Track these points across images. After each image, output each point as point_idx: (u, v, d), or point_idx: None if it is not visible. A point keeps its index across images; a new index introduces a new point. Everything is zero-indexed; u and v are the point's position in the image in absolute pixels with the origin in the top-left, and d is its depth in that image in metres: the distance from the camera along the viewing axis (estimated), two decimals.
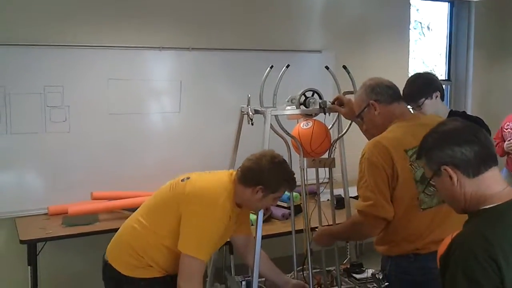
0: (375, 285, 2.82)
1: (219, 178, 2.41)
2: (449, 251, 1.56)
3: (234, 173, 2.43)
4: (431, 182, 1.70)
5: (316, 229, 2.73)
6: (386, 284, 2.29)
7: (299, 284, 2.72)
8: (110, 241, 2.53)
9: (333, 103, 2.78)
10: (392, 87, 2.41)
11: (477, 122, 2.93)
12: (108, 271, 2.43)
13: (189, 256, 2.25)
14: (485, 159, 1.59)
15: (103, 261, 2.50)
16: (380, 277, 2.31)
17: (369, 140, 2.37)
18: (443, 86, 3.14)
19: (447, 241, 1.59)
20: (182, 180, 2.39)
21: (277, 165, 2.39)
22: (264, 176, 2.34)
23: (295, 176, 2.47)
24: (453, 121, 1.70)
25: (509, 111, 4.59)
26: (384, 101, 2.36)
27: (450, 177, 1.60)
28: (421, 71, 4.46)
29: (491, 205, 1.57)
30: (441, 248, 1.61)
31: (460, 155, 1.58)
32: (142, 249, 2.34)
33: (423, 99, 3.01)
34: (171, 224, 2.30)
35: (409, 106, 2.98)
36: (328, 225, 2.90)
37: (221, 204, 2.29)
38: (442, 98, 3.09)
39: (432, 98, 3.03)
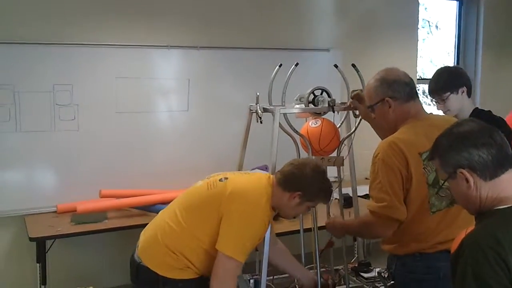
0: (382, 284, 2.83)
1: (258, 179, 2.38)
2: (460, 249, 1.54)
3: (272, 176, 2.41)
4: (444, 184, 1.67)
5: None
6: (392, 282, 2.28)
7: (314, 279, 2.71)
8: (140, 242, 2.41)
9: (352, 98, 2.74)
10: (409, 84, 2.31)
11: (500, 122, 2.85)
12: (143, 273, 2.32)
13: (227, 256, 2.20)
14: (502, 162, 1.56)
15: (133, 263, 2.39)
16: (386, 276, 2.30)
17: (381, 138, 2.35)
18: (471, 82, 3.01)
19: (459, 238, 1.58)
20: (221, 180, 2.33)
21: (320, 174, 2.39)
22: (305, 183, 2.33)
23: (332, 189, 2.45)
24: (469, 122, 1.66)
25: None
26: (400, 98, 2.27)
27: (467, 180, 1.57)
28: (430, 70, 4.42)
29: (505, 206, 1.55)
30: (454, 246, 1.60)
31: (477, 158, 1.55)
32: (180, 249, 2.27)
33: (448, 93, 2.87)
34: (211, 224, 2.25)
35: (433, 100, 2.95)
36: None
37: (263, 205, 2.27)
38: (469, 95, 2.95)
39: (458, 93, 2.88)
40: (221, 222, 2.23)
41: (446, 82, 2.91)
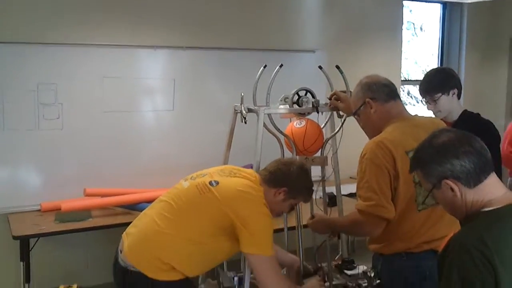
0: (366, 282, 2.86)
1: (248, 179, 2.39)
2: (446, 250, 1.57)
3: (256, 175, 2.43)
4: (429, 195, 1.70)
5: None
6: (377, 282, 2.30)
7: (306, 268, 2.74)
8: (125, 245, 2.33)
9: (330, 98, 2.80)
10: (388, 85, 2.38)
11: (488, 125, 2.88)
12: (131, 277, 2.28)
13: (265, 256, 2.24)
14: (483, 168, 1.59)
15: (119, 268, 2.33)
16: (372, 275, 2.32)
17: (369, 137, 2.38)
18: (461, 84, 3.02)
19: (447, 239, 1.60)
20: (211, 184, 2.31)
21: (305, 172, 2.44)
22: (291, 180, 2.38)
23: (313, 189, 2.52)
24: (446, 132, 1.68)
25: (501, 110, 4.60)
26: (380, 99, 2.34)
27: (452, 189, 1.60)
28: (414, 71, 4.46)
29: (490, 208, 1.59)
30: (441, 246, 1.63)
31: (460, 167, 1.58)
32: (169, 251, 2.26)
33: (440, 94, 2.88)
34: (205, 228, 2.26)
35: (424, 100, 2.97)
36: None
37: (264, 203, 2.31)
38: (459, 96, 2.97)
39: (449, 94, 2.90)
40: (238, 228, 2.23)
41: (438, 83, 2.92)
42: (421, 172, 1.68)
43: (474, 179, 1.59)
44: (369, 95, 2.35)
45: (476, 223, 1.58)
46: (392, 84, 2.41)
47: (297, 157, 2.82)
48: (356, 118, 2.50)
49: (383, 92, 2.35)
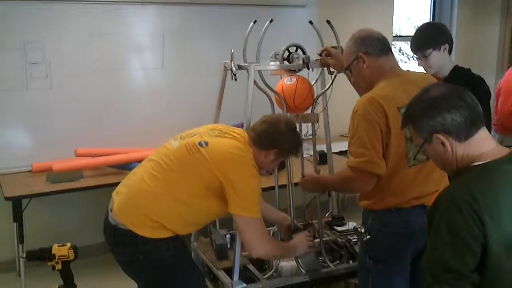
0: (356, 237, 2.91)
1: (237, 140, 2.38)
2: (436, 203, 1.59)
3: (246, 135, 2.42)
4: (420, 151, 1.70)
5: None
6: (368, 237, 2.33)
7: (296, 225, 2.78)
8: (115, 204, 2.34)
9: (320, 54, 2.77)
10: (382, 40, 2.35)
11: (479, 81, 2.86)
12: (121, 234, 2.29)
13: (250, 218, 2.27)
14: (474, 121, 1.60)
15: (109, 226, 2.34)
16: (362, 231, 2.36)
17: (359, 94, 2.37)
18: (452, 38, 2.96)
19: (437, 194, 1.62)
20: (200, 144, 2.30)
21: (293, 130, 2.43)
22: (280, 141, 2.37)
23: (302, 141, 2.52)
24: (438, 87, 1.68)
25: (492, 67, 4.59)
26: (373, 53, 2.31)
27: (443, 144, 1.61)
28: (406, 27, 4.41)
29: (480, 163, 1.60)
30: (431, 201, 1.64)
31: (451, 121, 1.58)
32: (159, 210, 2.26)
33: (431, 50, 2.83)
34: (194, 188, 2.27)
35: (414, 56, 2.95)
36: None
37: (253, 164, 2.31)
38: (450, 52, 2.92)
39: (440, 50, 2.85)
40: (226, 189, 2.24)
41: (429, 38, 2.87)
42: (412, 127, 1.68)
43: (464, 133, 1.59)
44: (362, 49, 2.31)
45: (466, 177, 1.60)
46: (385, 38, 2.37)
47: (288, 114, 2.81)
48: (347, 74, 2.47)
49: (377, 46, 2.31)
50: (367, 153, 2.15)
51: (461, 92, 1.63)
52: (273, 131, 2.38)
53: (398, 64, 2.41)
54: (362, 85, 2.36)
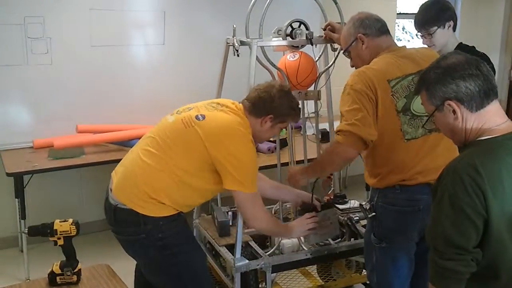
0: (357, 215, 2.91)
1: (235, 113, 2.35)
2: (440, 177, 1.59)
3: (240, 105, 2.39)
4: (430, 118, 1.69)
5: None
6: (373, 214, 2.34)
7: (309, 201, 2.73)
8: (114, 183, 2.33)
9: (324, 29, 2.76)
10: (380, 21, 2.39)
11: (483, 58, 2.82)
12: (122, 214, 2.26)
13: (246, 193, 2.27)
14: (487, 93, 1.59)
15: (109, 206, 2.32)
16: (367, 208, 2.36)
17: None
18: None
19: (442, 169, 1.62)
20: (197, 118, 2.27)
21: (287, 93, 2.40)
22: (274, 105, 2.34)
23: (299, 106, 2.49)
24: (455, 55, 1.67)
25: (496, 44, 4.53)
26: (372, 34, 2.35)
27: (454, 112, 1.60)
28: (411, 5, 4.35)
29: (487, 137, 1.59)
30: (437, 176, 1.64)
31: (464, 89, 1.58)
32: (155, 186, 2.23)
33: (436, 27, 2.82)
34: (191, 162, 2.25)
35: (419, 34, 2.93)
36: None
37: (249, 136, 2.30)
38: (454, 29, 2.91)
39: (444, 27, 2.84)
40: (221, 164, 2.22)
41: (433, 15, 2.85)
42: (425, 93, 1.67)
43: (477, 103, 1.59)
44: (361, 31, 2.35)
45: (472, 150, 1.60)
46: (383, 20, 2.41)
47: (277, 80, 2.78)
48: (346, 56, 2.48)
49: (375, 27, 2.36)
50: (355, 118, 2.18)
51: (478, 62, 1.62)
52: (266, 96, 2.35)
53: (395, 43, 2.46)
54: (360, 66, 2.36)
